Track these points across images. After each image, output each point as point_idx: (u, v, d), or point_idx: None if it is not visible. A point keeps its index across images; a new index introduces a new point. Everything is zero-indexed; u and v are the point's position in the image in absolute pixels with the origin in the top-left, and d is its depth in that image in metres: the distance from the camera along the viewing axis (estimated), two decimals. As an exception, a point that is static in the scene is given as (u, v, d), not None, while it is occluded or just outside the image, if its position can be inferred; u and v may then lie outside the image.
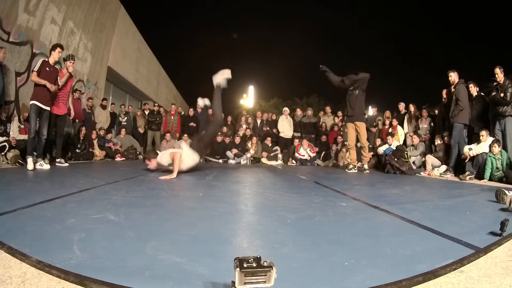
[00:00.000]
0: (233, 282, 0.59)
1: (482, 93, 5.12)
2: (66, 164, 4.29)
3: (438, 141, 5.49)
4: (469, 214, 1.79)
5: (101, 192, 2.16)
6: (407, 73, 34.20)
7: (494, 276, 0.88)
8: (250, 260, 0.59)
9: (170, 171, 3.29)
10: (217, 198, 2.15)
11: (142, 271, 0.82)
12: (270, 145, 7.76)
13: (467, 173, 4.33)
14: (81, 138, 5.94)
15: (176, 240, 1.11)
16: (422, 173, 5.04)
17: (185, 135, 7.78)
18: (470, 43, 33.78)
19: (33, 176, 3.13)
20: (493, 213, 1.79)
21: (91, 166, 4.84)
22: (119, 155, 6.81)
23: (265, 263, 0.60)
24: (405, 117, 6.78)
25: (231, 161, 7.23)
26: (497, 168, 4.09)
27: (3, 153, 4.35)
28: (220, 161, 7.13)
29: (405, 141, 6.52)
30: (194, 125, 8.16)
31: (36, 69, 3.73)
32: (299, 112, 8.74)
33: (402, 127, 6.73)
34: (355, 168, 5.01)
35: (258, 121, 8.58)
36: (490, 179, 4.09)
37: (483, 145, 4.40)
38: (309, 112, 8.58)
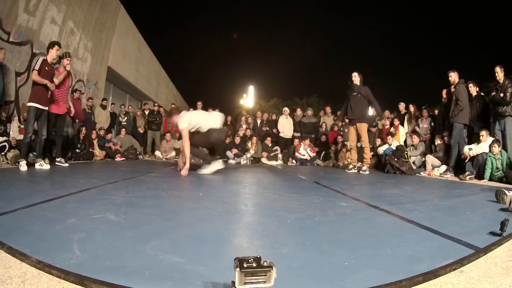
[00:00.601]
0: (233, 282, 0.59)
1: (482, 93, 5.12)
2: (66, 164, 4.29)
3: (438, 141, 5.50)
4: (469, 214, 1.79)
5: (101, 192, 2.16)
6: (407, 73, 34.22)
7: (494, 276, 0.88)
8: (250, 260, 0.59)
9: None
10: (217, 198, 2.15)
11: (142, 271, 0.82)
12: (270, 145, 7.75)
13: (467, 173, 4.33)
14: (81, 138, 5.94)
15: (176, 240, 1.11)
16: (422, 173, 5.04)
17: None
18: (470, 44, 33.80)
19: (33, 176, 3.12)
20: (493, 213, 1.79)
21: (91, 166, 4.84)
22: (119, 155, 6.80)
23: (265, 263, 0.60)
24: (405, 117, 6.78)
25: (231, 161, 7.22)
26: (497, 168, 4.09)
27: (3, 153, 4.35)
28: (220, 161, 7.12)
29: (405, 141, 6.51)
30: (194, 125, 8.15)
31: (37, 68, 3.69)
32: (299, 112, 8.74)
33: (403, 127, 6.74)
34: (355, 168, 5.01)
35: (258, 121, 8.58)
36: (490, 179, 4.09)
37: (483, 145, 4.40)
38: (309, 112, 8.58)
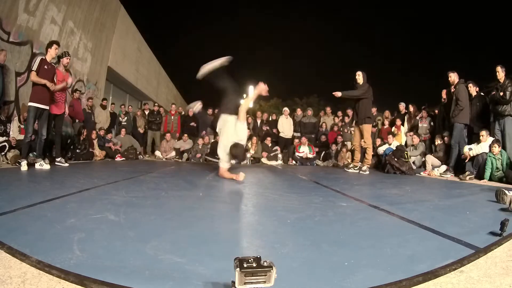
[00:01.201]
0: (233, 282, 0.59)
1: (482, 93, 5.12)
2: (66, 164, 4.29)
3: (438, 141, 5.50)
4: (469, 214, 1.79)
5: (101, 192, 2.16)
6: (407, 73, 34.22)
7: (494, 276, 0.88)
8: (250, 260, 0.59)
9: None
10: (217, 198, 2.15)
11: (142, 271, 0.82)
12: (270, 145, 7.75)
13: (467, 173, 4.33)
14: (82, 138, 5.95)
15: (176, 240, 1.11)
16: (422, 173, 5.04)
17: (185, 135, 7.78)
18: (470, 44, 33.79)
19: (33, 176, 3.12)
20: (493, 213, 1.79)
21: (91, 166, 4.84)
22: (119, 155, 6.80)
23: (265, 263, 0.60)
24: (405, 117, 6.78)
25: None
26: (497, 168, 4.09)
27: (3, 153, 4.34)
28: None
29: (405, 141, 6.52)
30: (195, 125, 8.16)
31: (35, 68, 3.69)
32: (299, 112, 8.74)
33: (403, 127, 6.74)
34: (355, 168, 5.01)
35: (258, 121, 8.58)
36: (490, 179, 4.09)
37: (483, 145, 4.40)
38: (309, 112, 8.58)
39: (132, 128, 8.16)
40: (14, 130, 4.87)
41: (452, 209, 1.95)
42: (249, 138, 7.85)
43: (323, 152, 7.82)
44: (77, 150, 5.76)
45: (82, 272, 0.79)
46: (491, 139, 4.34)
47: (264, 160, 7.50)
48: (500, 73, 4.42)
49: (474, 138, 4.80)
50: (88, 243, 1.03)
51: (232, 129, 3.36)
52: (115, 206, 1.61)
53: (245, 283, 0.58)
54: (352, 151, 5.88)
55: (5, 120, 4.83)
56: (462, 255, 1.01)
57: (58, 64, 4.30)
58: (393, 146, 5.61)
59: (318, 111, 10.15)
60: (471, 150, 4.53)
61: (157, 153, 7.83)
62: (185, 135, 7.77)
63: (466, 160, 4.52)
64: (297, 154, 7.43)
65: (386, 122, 7.17)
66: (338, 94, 4.69)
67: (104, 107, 7.79)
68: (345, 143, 7.26)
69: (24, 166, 3.51)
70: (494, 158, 4.11)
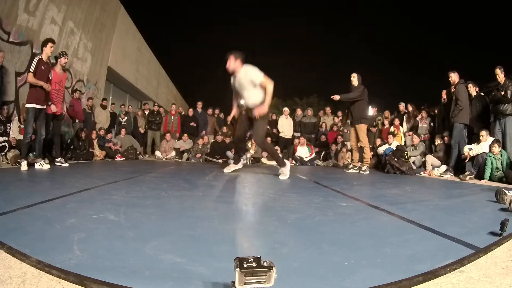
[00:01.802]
0: (233, 282, 0.59)
1: (482, 93, 5.12)
2: (66, 164, 4.29)
3: (438, 141, 5.50)
4: (469, 214, 1.79)
5: (101, 192, 2.16)
6: (407, 73, 34.20)
7: (494, 276, 0.88)
8: (250, 260, 0.59)
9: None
10: (217, 198, 2.15)
11: (142, 271, 0.82)
12: (270, 145, 7.75)
13: (467, 173, 4.33)
14: (82, 138, 5.95)
15: (176, 240, 1.11)
16: (422, 173, 5.04)
17: (185, 135, 7.79)
18: (470, 44, 33.80)
19: (33, 176, 3.12)
20: (493, 213, 1.79)
21: (91, 166, 4.84)
22: (119, 155, 6.80)
23: (265, 263, 0.60)
24: (404, 117, 6.79)
25: (231, 161, 7.22)
26: (497, 168, 4.09)
27: (3, 153, 4.35)
28: (220, 161, 7.12)
29: (404, 141, 6.52)
30: (195, 125, 8.16)
31: (32, 69, 3.69)
32: (299, 112, 8.74)
33: (402, 127, 6.74)
34: (355, 168, 5.01)
35: (258, 121, 8.57)
36: (490, 179, 4.09)
37: (483, 145, 4.40)
38: (309, 112, 8.58)
39: (132, 128, 8.17)
40: (14, 130, 4.87)
41: (452, 209, 1.95)
42: (249, 138, 7.85)
43: (323, 152, 7.82)
44: (77, 150, 5.77)
45: (82, 272, 0.79)
46: (491, 139, 4.34)
47: (264, 160, 7.50)
48: (500, 75, 4.43)
49: (474, 138, 4.80)
50: (88, 243, 1.03)
51: None
52: (115, 206, 1.61)
53: (245, 283, 0.58)
54: (352, 151, 5.88)
55: (5, 120, 4.84)
56: (462, 255, 1.01)
57: (55, 65, 4.31)
58: (393, 146, 5.61)
59: (318, 111, 10.14)
60: (471, 150, 4.53)
61: (157, 153, 7.83)
62: (185, 135, 7.77)
63: (466, 160, 4.52)
64: (297, 154, 7.43)
65: (386, 122, 7.17)
66: (337, 97, 4.77)
67: (104, 107, 7.80)
68: (345, 143, 7.26)
69: (24, 166, 3.51)
70: (494, 158, 4.11)
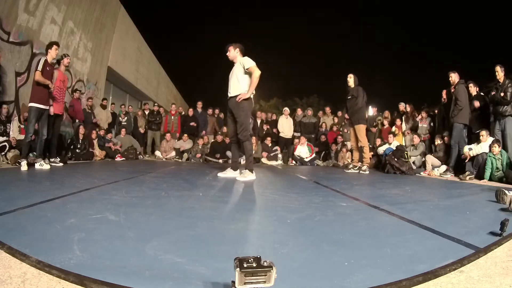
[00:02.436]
0: (233, 282, 0.59)
1: (482, 93, 5.12)
2: (61, 164, 4.29)
3: (438, 141, 5.49)
4: (469, 214, 1.79)
5: (101, 192, 2.16)
6: (407, 73, 34.21)
7: (494, 276, 0.88)
8: (250, 260, 0.59)
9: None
10: (217, 198, 2.15)
11: (142, 271, 0.82)
12: (270, 145, 7.75)
13: (467, 173, 4.33)
14: (80, 138, 5.95)
15: (176, 240, 1.11)
16: (422, 173, 5.04)
17: (185, 135, 7.79)
18: (470, 44, 33.79)
19: (33, 176, 3.13)
20: (493, 213, 1.79)
21: (91, 166, 4.84)
22: (119, 155, 6.80)
23: (265, 263, 0.60)
24: (403, 117, 6.79)
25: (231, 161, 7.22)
26: (497, 168, 4.09)
27: (3, 153, 4.35)
28: (220, 161, 7.12)
29: (404, 141, 6.52)
30: (195, 125, 8.16)
31: (40, 68, 3.71)
32: (299, 112, 8.74)
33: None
34: (355, 168, 5.02)
35: (258, 121, 8.58)
36: (490, 179, 4.09)
37: (483, 145, 4.40)
38: (309, 112, 8.58)
39: (132, 128, 8.17)
40: (14, 130, 4.87)
41: (452, 209, 1.95)
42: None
43: (323, 152, 7.82)
44: (77, 150, 5.77)
45: (82, 272, 0.79)
46: (491, 139, 4.34)
47: (264, 160, 7.50)
48: (500, 73, 4.42)
49: (474, 138, 4.80)
50: (88, 243, 1.03)
51: None
52: (115, 206, 1.61)
53: (245, 283, 0.58)
54: (352, 151, 5.89)
55: (5, 120, 4.84)
56: (462, 255, 1.01)
57: (58, 66, 4.32)
58: (393, 146, 5.61)
59: (318, 111, 10.15)
60: (471, 150, 4.53)
61: (157, 153, 7.83)
62: (185, 135, 7.78)
63: (466, 160, 4.52)
64: (296, 154, 7.43)
65: (386, 122, 7.17)
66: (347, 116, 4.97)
67: (104, 107, 7.80)
68: (345, 143, 7.26)
69: (24, 166, 3.51)
70: (494, 158, 4.11)
